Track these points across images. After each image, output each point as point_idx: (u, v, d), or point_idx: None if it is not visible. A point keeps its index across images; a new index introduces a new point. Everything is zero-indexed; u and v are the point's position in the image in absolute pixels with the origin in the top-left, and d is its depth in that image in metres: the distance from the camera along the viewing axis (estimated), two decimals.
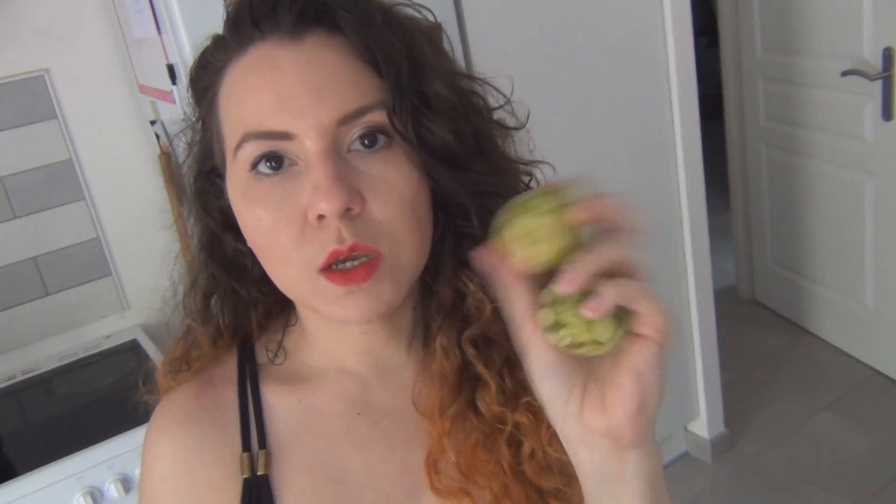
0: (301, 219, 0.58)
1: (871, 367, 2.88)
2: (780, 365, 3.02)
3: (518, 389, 0.67)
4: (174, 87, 1.53)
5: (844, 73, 2.54)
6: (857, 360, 2.93)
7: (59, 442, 1.56)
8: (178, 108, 1.55)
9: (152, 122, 1.82)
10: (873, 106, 2.52)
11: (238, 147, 0.60)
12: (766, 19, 2.95)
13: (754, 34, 3.03)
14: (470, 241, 0.64)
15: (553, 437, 0.67)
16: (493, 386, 0.67)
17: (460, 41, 1.79)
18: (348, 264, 0.58)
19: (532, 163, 0.70)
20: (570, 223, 0.49)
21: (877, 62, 2.44)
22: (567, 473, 0.70)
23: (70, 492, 1.47)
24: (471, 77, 0.67)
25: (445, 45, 0.68)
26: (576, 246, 0.50)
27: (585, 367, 0.53)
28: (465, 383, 0.68)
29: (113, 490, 1.49)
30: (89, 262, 1.98)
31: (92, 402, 1.76)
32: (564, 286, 0.49)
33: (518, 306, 0.53)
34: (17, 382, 1.85)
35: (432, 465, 0.69)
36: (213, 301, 0.72)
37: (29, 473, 1.46)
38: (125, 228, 1.98)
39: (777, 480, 2.48)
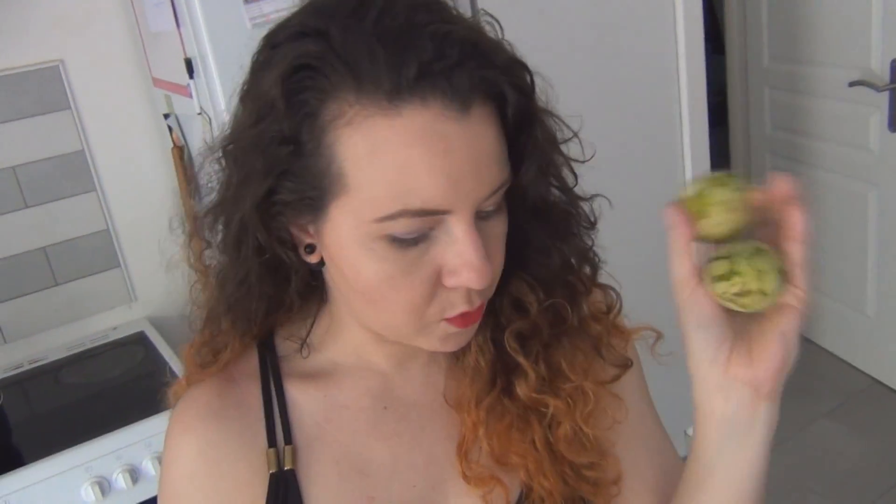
0: (435, 279, 0.60)
1: (870, 376, 2.89)
2: None
3: (555, 376, 0.70)
4: (191, 82, 1.54)
5: (852, 84, 2.55)
6: (857, 369, 2.94)
7: (66, 431, 1.57)
8: (194, 102, 1.56)
9: (166, 116, 1.82)
10: (879, 117, 2.53)
11: (390, 217, 0.56)
12: (774, 28, 2.96)
13: (762, 43, 3.04)
14: (538, 265, 0.69)
15: (589, 416, 0.71)
16: (532, 375, 0.70)
17: None
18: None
19: (592, 197, 0.72)
20: (753, 203, 0.56)
21: (884, 73, 2.45)
22: (600, 449, 0.72)
23: (78, 481, 1.47)
24: (550, 114, 0.68)
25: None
26: (751, 224, 0.57)
27: (737, 324, 0.59)
28: (498, 374, 0.71)
29: (121, 480, 1.49)
30: (98, 254, 1.98)
31: (99, 392, 1.77)
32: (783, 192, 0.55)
33: (686, 264, 0.57)
34: (24, 371, 1.86)
35: (464, 455, 0.70)
36: (243, 297, 0.70)
37: (37, 462, 1.47)
38: (135, 221, 1.98)
39: (776, 488, 2.47)
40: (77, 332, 1.98)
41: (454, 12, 0.60)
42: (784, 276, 0.56)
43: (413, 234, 0.58)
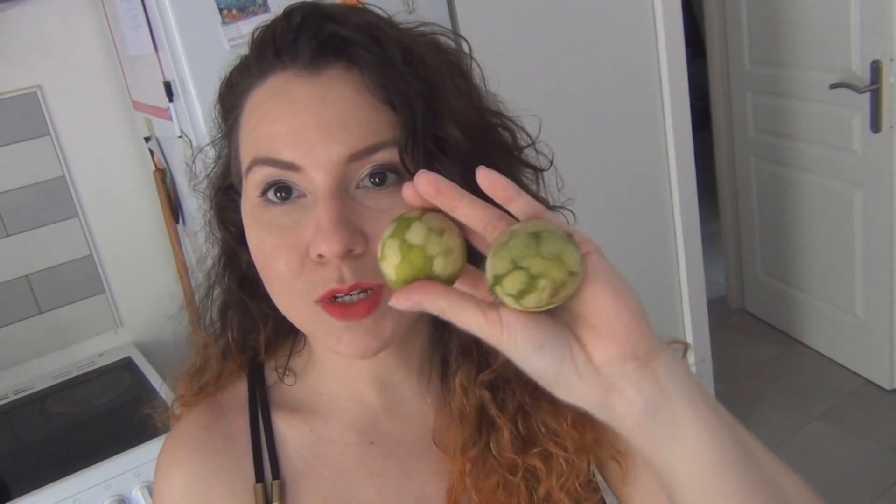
0: (303, 251, 0.58)
1: (861, 377, 2.90)
2: (771, 375, 3.03)
3: (531, 437, 0.67)
4: (171, 105, 1.53)
5: (833, 86, 2.57)
6: (848, 370, 2.95)
7: (53, 463, 1.54)
8: (174, 124, 1.54)
9: (146, 139, 1.81)
10: (861, 118, 2.55)
11: (249, 169, 0.61)
12: (755, 32, 2.98)
13: (742, 47, 3.05)
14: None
15: (564, 484, 0.67)
16: (505, 432, 0.67)
17: None
18: (348, 298, 0.58)
19: (556, 207, 0.69)
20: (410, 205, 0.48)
21: (865, 75, 2.47)
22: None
23: None
24: (499, 114, 0.67)
25: (476, 73, 0.68)
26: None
27: (561, 320, 0.48)
28: (485, 423, 0.68)
29: None
30: (82, 280, 1.96)
31: (86, 420, 1.74)
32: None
33: (470, 311, 0.46)
34: (9, 402, 1.83)
35: (454, 502, 0.68)
36: (229, 314, 0.72)
37: (25, 496, 1.44)
38: (118, 246, 1.96)
39: None
40: (63, 359, 1.95)
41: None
42: (570, 238, 0.46)
43: (270, 183, 0.59)
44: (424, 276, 0.47)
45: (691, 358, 0.73)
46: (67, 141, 1.89)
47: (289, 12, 0.62)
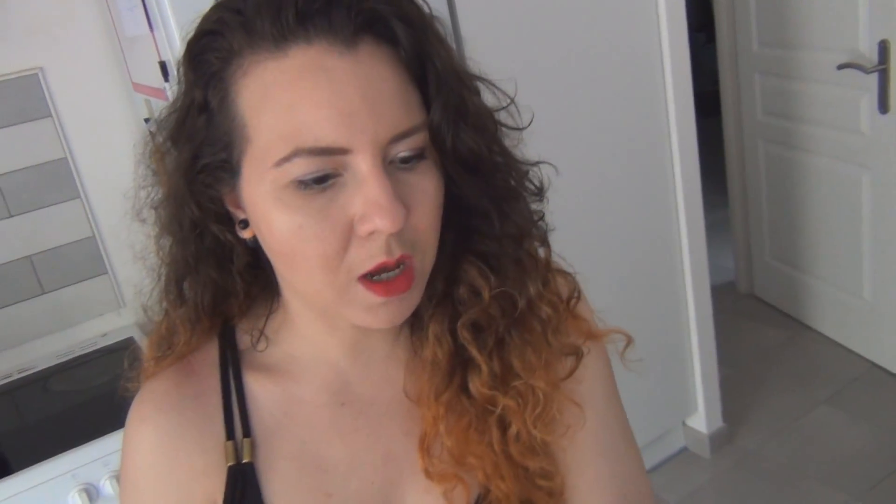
0: (347, 228, 0.58)
1: (869, 361, 2.88)
2: (778, 359, 3.02)
3: (506, 373, 0.68)
4: (167, 85, 1.53)
5: (840, 67, 2.53)
6: (856, 354, 2.93)
7: (55, 439, 1.57)
8: None
9: (146, 120, 1.82)
10: (869, 99, 2.52)
11: (286, 160, 0.57)
12: (762, 13, 2.95)
13: (750, 29, 3.02)
14: (484, 236, 0.66)
15: (538, 418, 0.68)
16: (485, 369, 0.68)
17: (454, 39, 1.79)
18: (387, 275, 0.59)
19: (536, 164, 0.70)
20: None
21: (872, 55, 2.44)
22: (550, 454, 0.71)
23: (65, 488, 1.47)
24: (479, 78, 0.67)
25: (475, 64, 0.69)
26: None
27: None
28: (457, 368, 0.69)
29: (108, 487, 1.49)
30: (85, 261, 1.98)
31: (88, 400, 1.77)
32: None
33: None
34: (13, 381, 1.86)
35: (426, 450, 0.69)
36: (186, 285, 0.71)
37: (24, 470, 1.47)
38: (121, 226, 1.97)
39: (776, 474, 2.47)
40: (66, 339, 1.98)
41: None
42: None
43: (314, 174, 0.57)
44: None
45: (631, 353, 0.74)
46: (69, 122, 1.90)
47: None
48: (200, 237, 0.67)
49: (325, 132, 0.55)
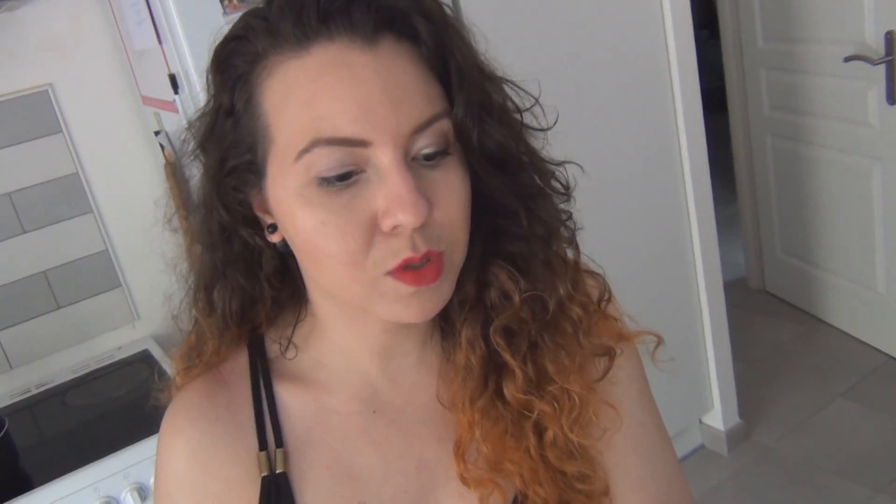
0: (371, 224, 0.58)
1: (884, 353, 2.86)
2: (793, 354, 3.01)
3: (541, 377, 0.68)
4: (176, 97, 1.54)
5: (847, 59, 2.53)
6: (871, 347, 2.92)
7: (74, 453, 1.57)
8: (181, 117, 1.56)
9: (156, 133, 1.83)
10: (877, 90, 2.51)
11: (306, 151, 0.57)
12: (766, 8, 2.94)
13: (754, 24, 3.02)
14: (512, 237, 0.66)
15: (575, 422, 0.68)
16: (519, 375, 0.67)
17: None
18: (418, 265, 0.59)
19: (562, 163, 0.70)
20: None
21: (879, 46, 2.43)
22: (589, 458, 0.70)
23: (87, 501, 1.47)
24: (503, 79, 0.67)
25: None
26: None
27: None
28: (490, 373, 0.69)
29: (129, 499, 1.49)
30: (99, 275, 1.99)
31: (106, 413, 1.77)
32: None
33: None
34: (32, 396, 1.87)
35: (461, 456, 0.69)
36: (215, 293, 0.71)
37: (47, 485, 1.47)
38: (133, 239, 1.99)
39: (794, 469, 2.46)
40: (82, 353, 1.99)
41: None
42: None
43: (335, 168, 0.57)
44: None
45: (662, 354, 0.73)
46: (80, 137, 1.92)
47: None
48: (229, 241, 0.68)
49: (345, 123, 0.56)
